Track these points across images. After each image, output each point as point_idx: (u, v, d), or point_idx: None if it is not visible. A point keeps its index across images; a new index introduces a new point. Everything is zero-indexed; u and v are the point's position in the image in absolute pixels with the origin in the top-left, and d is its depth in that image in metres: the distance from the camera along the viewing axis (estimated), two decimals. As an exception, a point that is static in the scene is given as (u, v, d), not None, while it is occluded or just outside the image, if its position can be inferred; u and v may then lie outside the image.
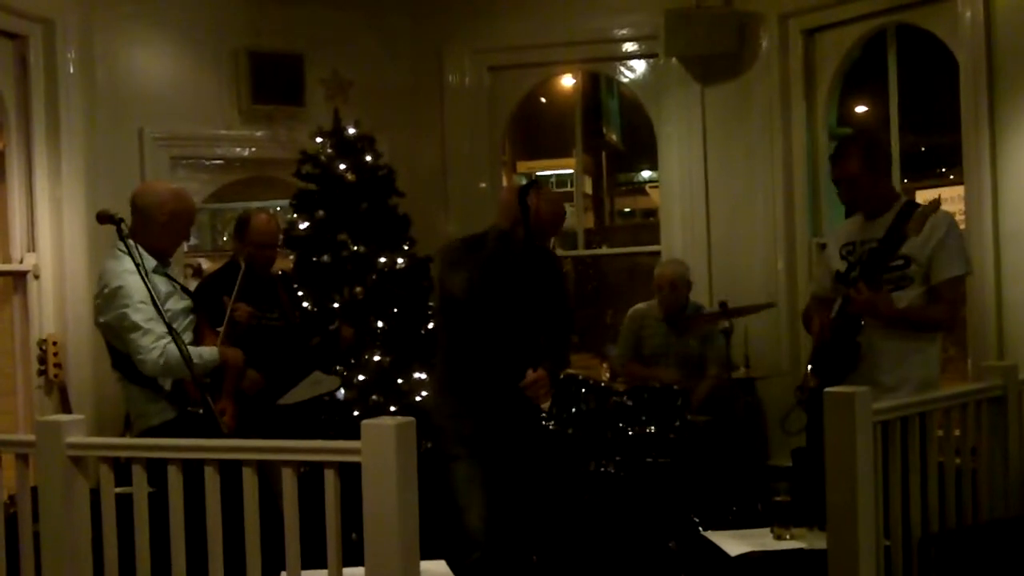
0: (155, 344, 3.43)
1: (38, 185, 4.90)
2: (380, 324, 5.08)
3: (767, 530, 3.36)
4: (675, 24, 5.58)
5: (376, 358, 5.02)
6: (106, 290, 3.54)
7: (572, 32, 6.04)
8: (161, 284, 3.55)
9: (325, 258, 5.10)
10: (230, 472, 2.55)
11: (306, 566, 2.52)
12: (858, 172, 3.53)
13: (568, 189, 14.49)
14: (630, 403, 4.61)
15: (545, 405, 4.28)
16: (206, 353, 3.56)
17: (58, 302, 4.91)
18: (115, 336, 3.57)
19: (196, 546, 2.58)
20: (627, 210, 18.22)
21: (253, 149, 5.83)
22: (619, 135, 16.20)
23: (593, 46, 6.10)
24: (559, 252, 5.27)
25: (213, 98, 5.68)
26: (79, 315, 4.87)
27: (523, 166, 14.66)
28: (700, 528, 4.19)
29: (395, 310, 5.13)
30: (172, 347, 3.33)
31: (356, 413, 4.81)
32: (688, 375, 5.13)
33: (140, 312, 3.44)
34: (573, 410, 4.60)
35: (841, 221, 4.10)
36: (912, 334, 3.48)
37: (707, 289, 5.73)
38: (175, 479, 2.60)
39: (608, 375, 5.66)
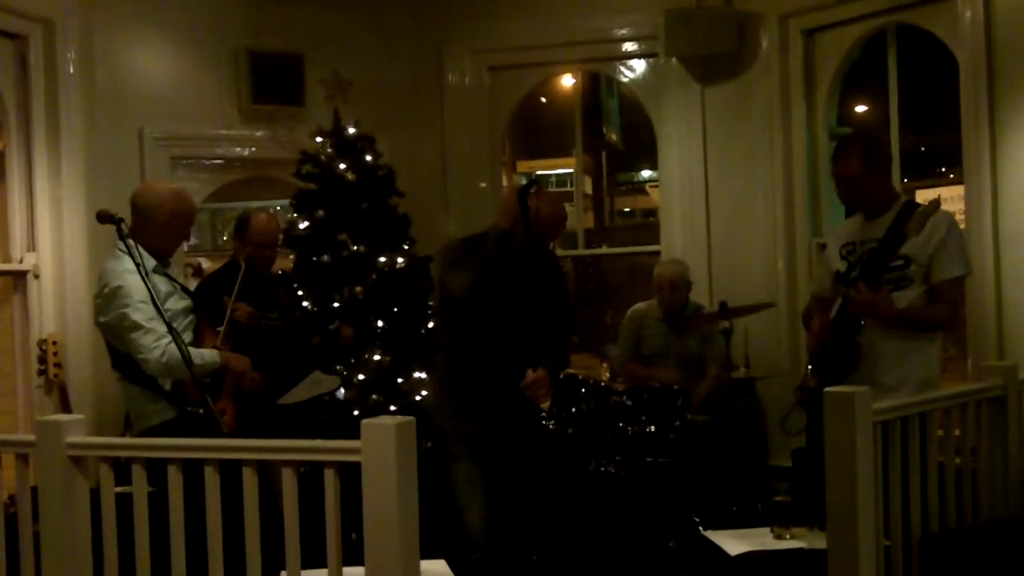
0: (157, 343, 3.43)
1: (38, 185, 4.90)
2: (380, 324, 5.08)
3: (767, 530, 3.35)
4: (675, 24, 5.58)
5: (376, 358, 5.02)
6: (106, 290, 3.54)
7: (572, 32, 6.04)
8: (161, 284, 3.55)
9: (325, 258, 5.10)
10: (230, 472, 2.55)
11: (306, 566, 2.52)
12: (858, 172, 3.53)
13: (568, 189, 14.50)
14: (630, 403, 4.61)
15: (545, 405, 4.27)
16: (207, 355, 3.56)
17: (58, 302, 4.92)
18: (115, 336, 3.57)
19: (196, 546, 2.58)
20: (627, 210, 18.21)
21: (253, 149, 5.84)
22: (619, 135, 16.20)
23: (593, 46, 6.10)
24: (559, 252, 5.27)
25: (213, 98, 5.68)
26: (79, 315, 4.87)
27: (523, 166, 14.65)
28: (700, 528, 4.19)
29: (395, 310, 5.14)
30: (174, 347, 3.33)
31: (356, 413, 4.82)
32: (688, 375, 5.13)
33: (141, 312, 3.44)
34: (573, 410, 4.60)
35: (841, 221, 4.10)
36: (912, 334, 3.48)
37: (707, 289, 5.73)
38: (175, 479, 2.60)
39: (608, 375, 5.67)
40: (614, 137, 16.12)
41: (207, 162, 5.84)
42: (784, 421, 3.74)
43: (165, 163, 5.51)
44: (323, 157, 5.23)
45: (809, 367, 3.67)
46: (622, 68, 6.12)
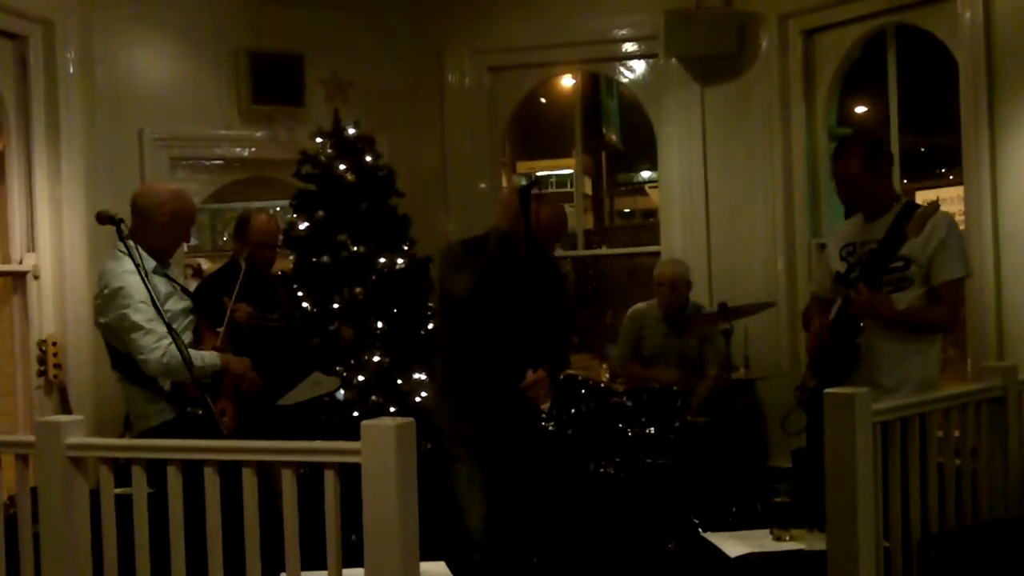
0: (157, 344, 3.43)
1: (38, 185, 4.90)
2: (380, 325, 5.08)
3: (767, 531, 3.35)
4: (675, 24, 5.58)
5: (376, 359, 5.02)
6: (106, 291, 3.54)
7: (572, 32, 6.04)
8: (161, 284, 3.55)
9: (325, 258, 5.10)
10: (230, 473, 2.55)
11: (306, 567, 2.52)
12: (858, 172, 3.53)
13: (568, 189, 14.50)
14: (630, 404, 4.62)
15: (545, 406, 4.28)
16: (207, 357, 3.56)
17: (58, 302, 4.91)
18: (115, 337, 3.57)
19: (196, 547, 2.58)
20: (627, 210, 18.22)
21: (253, 149, 5.83)
22: (619, 135, 16.20)
23: (593, 46, 6.10)
24: (559, 253, 5.27)
25: (213, 98, 5.68)
26: (79, 315, 4.87)
27: (523, 166, 14.66)
28: (700, 529, 4.19)
29: (395, 310, 5.13)
30: (175, 347, 3.33)
31: (356, 414, 4.81)
32: (688, 376, 5.14)
33: (141, 312, 3.44)
34: (573, 411, 4.61)
35: (841, 221, 4.10)
36: (912, 335, 3.47)
37: (707, 289, 5.73)
38: (175, 480, 2.60)
39: (608, 376, 5.67)
40: (614, 138, 16.13)
41: (207, 163, 5.84)
42: (784, 422, 3.74)
43: (165, 163, 5.51)
44: (323, 158, 5.23)
45: (809, 368, 3.68)
46: (622, 68, 6.12)
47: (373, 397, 4.94)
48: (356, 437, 2.37)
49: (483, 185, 6.26)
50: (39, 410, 4.68)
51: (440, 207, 6.20)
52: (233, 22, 5.72)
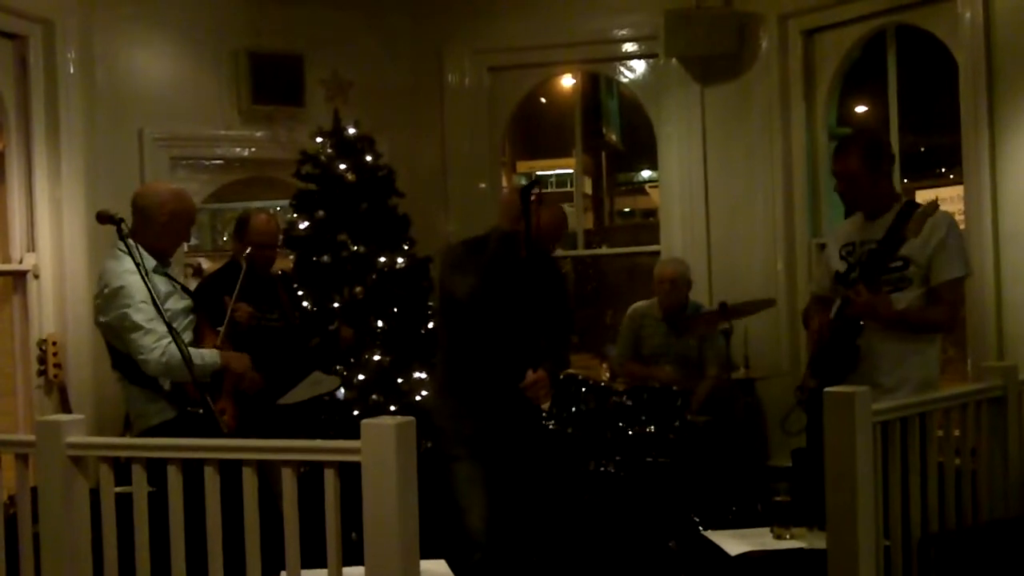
0: (157, 344, 3.43)
1: (38, 185, 4.90)
2: (380, 324, 5.08)
3: (767, 530, 3.35)
4: (675, 24, 5.58)
5: (376, 358, 5.02)
6: (106, 290, 3.54)
7: (572, 32, 6.04)
8: (161, 284, 3.55)
9: (325, 258, 5.10)
10: (230, 472, 2.55)
11: (306, 566, 2.52)
12: (857, 170, 3.53)
13: (568, 189, 14.51)
14: (630, 403, 4.62)
15: (545, 405, 4.28)
16: (207, 355, 3.55)
17: (58, 302, 4.92)
18: (115, 336, 3.57)
19: (196, 546, 2.58)
20: (627, 210, 18.23)
21: (253, 149, 5.83)
22: (619, 135, 16.21)
23: (593, 46, 6.10)
24: (559, 253, 5.28)
25: (213, 98, 5.68)
26: (79, 315, 4.87)
27: (523, 166, 14.66)
28: (700, 528, 4.19)
29: (395, 310, 5.14)
30: (174, 347, 3.33)
31: (356, 413, 4.81)
32: (688, 375, 5.14)
33: (141, 312, 3.44)
34: (573, 410, 4.61)
35: (841, 221, 4.10)
36: (911, 335, 3.47)
37: (707, 289, 5.73)
38: (175, 479, 2.60)
39: (608, 375, 5.67)
40: (614, 137, 16.14)
41: (207, 162, 5.84)
42: (784, 421, 3.74)
43: (165, 163, 5.51)
44: (323, 157, 5.23)
45: (808, 368, 3.68)
46: (622, 68, 6.12)
47: (373, 396, 4.94)
48: (356, 436, 2.37)
49: (483, 185, 6.26)
50: (39, 410, 4.69)
51: (440, 207, 6.20)
52: (233, 22, 5.73)
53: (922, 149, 10.10)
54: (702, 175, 5.84)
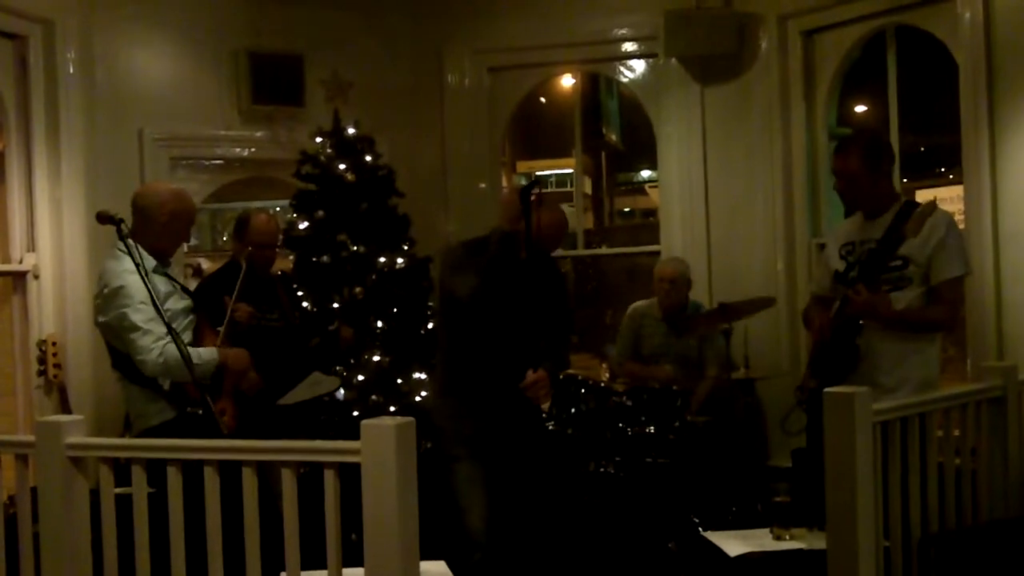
0: (154, 344, 3.43)
1: (38, 185, 4.90)
2: (380, 324, 5.08)
3: (767, 530, 3.35)
4: (675, 25, 5.58)
5: (376, 358, 5.02)
6: (106, 290, 3.54)
7: (572, 32, 6.04)
8: (161, 284, 3.55)
9: (325, 258, 5.10)
10: (230, 473, 2.55)
11: (306, 567, 2.52)
12: (857, 169, 3.53)
13: (568, 189, 14.52)
14: (630, 403, 4.62)
15: (545, 405, 4.28)
16: (205, 354, 3.55)
17: (58, 302, 4.92)
18: (115, 336, 3.57)
19: (196, 547, 2.58)
20: (627, 210, 18.25)
21: (253, 149, 5.83)
22: (619, 135, 16.22)
23: (593, 46, 6.10)
24: (558, 253, 5.28)
25: (213, 98, 5.68)
26: (79, 315, 4.87)
27: (523, 166, 14.68)
28: (700, 528, 4.19)
29: (395, 310, 5.14)
30: (171, 347, 3.34)
31: (356, 413, 4.81)
32: (688, 375, 5.13)
33: (140, 312, 3.44)
34: (573, 410, 4.61)
35: (841, 222, 4.11)
36: (911, 335, 3.47)
37: (707, 289, 5.73)
38: (175, 480, 2.60)
39: (608, 375, 5.67)
40: (614, 137, 16.15)
41: (207, 163, 5.84)
42: (784, 421, 3.74)
43: (165, 163, 5.50)
44: (323, 158, 5.23)
45: (808, 368, 3.68)
46: (622, 68, 6.12)
47: (373, 397, 4.94)
48: (356, 437, 2.37)
49: (483, 185, 6.26)
50: (39, 410, 4.68)
51: (440, 207, 6.20)
52: (233, 22, 5.73)
53: (922, 149, 10.11)
54: (702, 175, 5.84)
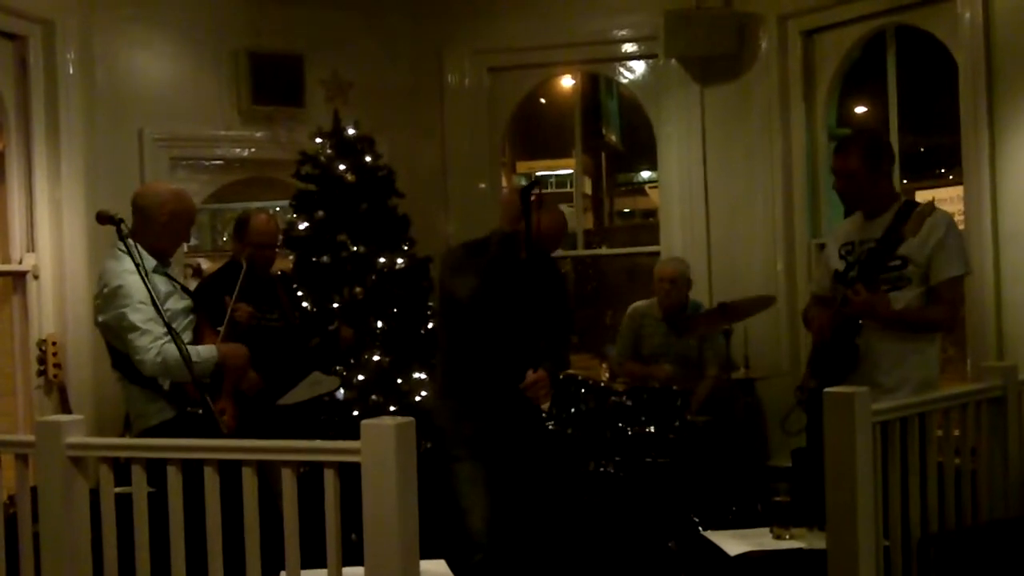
0: (152, 344, 3.43)
1: (38, 186, 4.90)
2: (380, 324, 5.09)
3: (767, 530, 3.36)
4: (675, 25, 5.58)
5: (376, 358, 5.02)
6: (106, 290, 3.54)
7: (572, 33, 6.04)
8: (161, 284, 3.55)
9: (325, 258, 5.10)
10: (230, 472, 2.55)
11: (306, 566, 2.52)
12: (857, 169, 3.53)
13: (568, 190, 14.51)
14: (630, 403, 4.61)
15: (545, 406, 4.28)
16: (204, 351, 3.55)
17: (58, 302, 4.92)
18: (114, 336, 3.57)
19: (196, 546, 2.58)
20: (626, 210, 18.22)
21: (253, 150, 5.83)
22: (619, 136, 16.21)
23: (593, 47, 6.10)
24: (558, 253, 5.28)
25: (213, 99, 5.68)
26: (79, 315, 4.87)
27: (523, 166, 14.67)
28: (700, 528, 4.19)
29: (395, 310, 5.14)
30: (169, 347, 3.34)
31: (356, 413, 4.82)
32: (688, 375, 5.13)
33: (139, 312, 3.44)
34: (573, 410, 4.60)
35: (840, 222, 4.11)
36: (911, 335, 3.48)
37: (707, 289, 5.73)
38: (175, 479, 2.60)
39: (608, 375, 5.67)
40: (614, 138, 16.13)
41: (207, 163, 5.84)
42: (784, 421, 3.74)
43: (165, 164, 5.51)
44: (323, 158, 5.23)
45: (808, 368, 3.68)
46: (622, 69, 6.13)
47: (373, 397, 4.94)
48: (356, 436, 2.37)
49: (483, 185, 6.26)
50: (39, 410, 4.69)
51: (440, 207, 6.20)
52: (233, 22, 5.73)
53: (922, 149, 10.11)
54: (702, 175, 5.84)
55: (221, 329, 3.80)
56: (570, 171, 13.71)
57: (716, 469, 4.69)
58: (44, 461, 2.70)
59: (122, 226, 3.28)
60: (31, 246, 4.91)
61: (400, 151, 5.83)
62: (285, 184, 5.53)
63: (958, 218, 4.29)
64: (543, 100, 8.02)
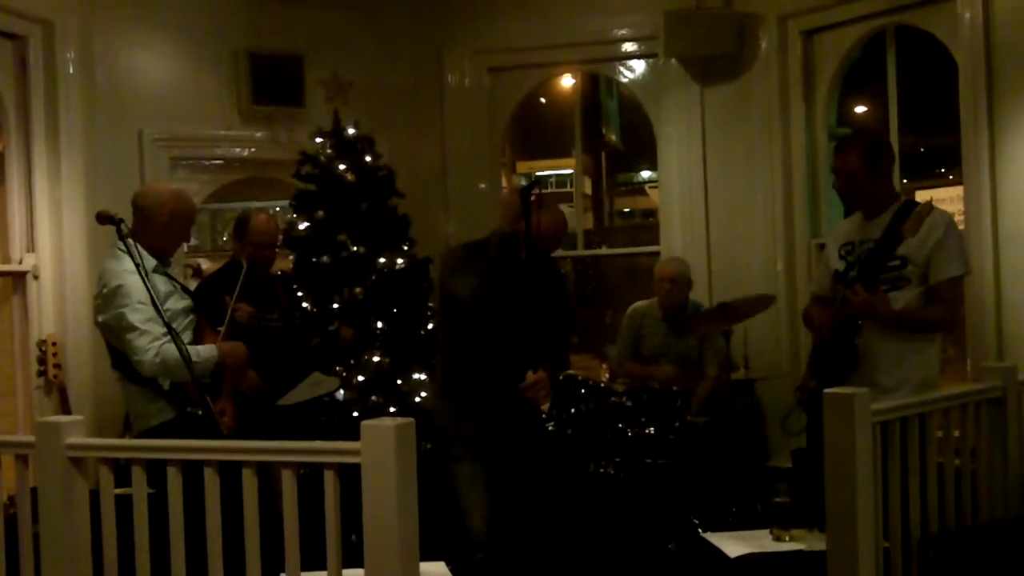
0: (151, 345, 3.43)
1: (38, 186, 4.90)
2: (380, 325, 5.08)
3: (767, 531, 3.35)
4: (675, 25, 5.58)
5: (376, 359, 5.02)
6: (105, 290, 3.54)
7: (572, 33, 6.04)
8: (161, 284, 3.55)
9: (325, 259, 5.10)
10: (230, 473, 2.55)
11: (305, 567, 2.52)
12: (857, 168, 3.53)
13: (568, 190, 14.51)
14: (629, 404, 4.62)
15: (545, 406, 4.28)
16: (203, 351, 3.55)
17: (58, 303, 4.92)
18: (114, 336, 3.57)
19: (196, 547, 2.58)
20: (626, 210, 18.23)
21: (253, 150, 5.83)
22: (619, 135, 16.21)
23: (593, 47, 6.10)
24: (558, 253, 5.28)
25: (213, 99, 5.68)
26: (78, 315, 4.87)
27: (523, 166, 14.68)
28: (700, 529, 4.19)
29: (395, 311, 5.14)
30: (168, 347, 3.34)
31: (356, 414, 4.81)
32: (688, 375, 5.13)
33: (138, 312, 3.44)
34: (573, 411, 4.60)
35: (840, 222, 4.11)
36: (911, 335, 3.48)
37: (707, 289, 5.73)
38: (175, 480, 2.60)
39: (608, 376, 5.66)
40: (614, 138, 16.14)
41: (207, 163, 5.84)
42: (784, 422, 3.74)
43: (165, 164, 5.50)
44: (323, 158, 5.23)
45: (808, 368, 3.68)
46: (622, 69, 6.12)
47: (373, 397, 4.94)
48: (356, 437, 2.37)
49: (483, 185, 6.26)
50: (39, 410, 4.69)
51: (440, 207, 6.20)
52: (233, 22, 5.72)
53: (922, 149, 10.11)
54: (702, 175, 5.84)
55: (221, 329, 3.80)
56: (570, 171, 13.71)
57: (716, 470, 4.69)
58: (44, 462, 2.70)
59: (122, 226, 3.28)
60: (31, 246, 4.91)
61: (400, 151, 5.83)
62: (285, 184, 5.53)
63: (958, 218, 4.28)
64: (543, 100, 8.02)
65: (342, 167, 5.19)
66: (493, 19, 6.14)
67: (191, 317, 3.72)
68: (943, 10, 4.88)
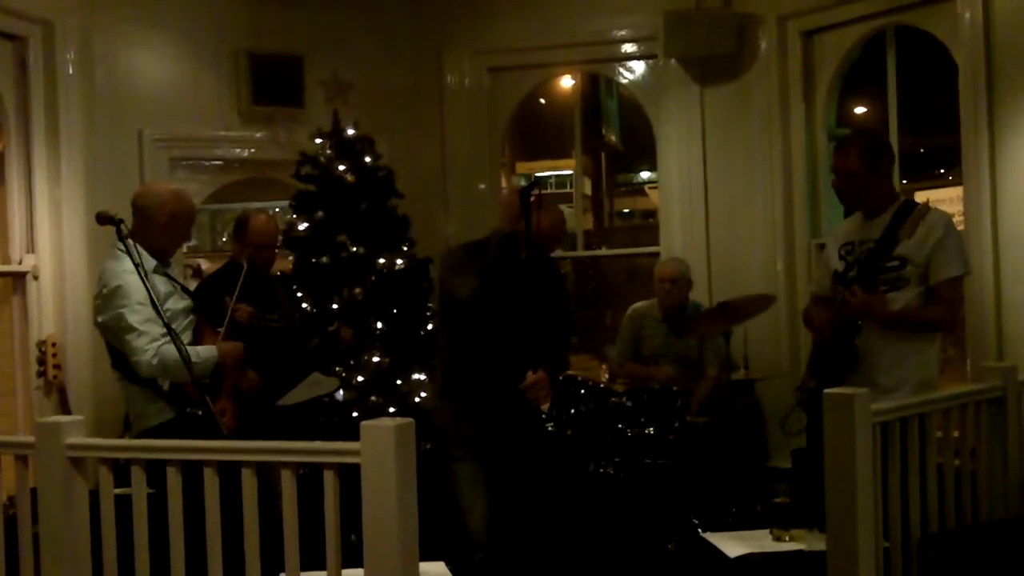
0: (149, 346, 3.43)
1: (37, 186, 4.90)
2: (379, 325, 5.08)
3: (767, 532, 3.35)
4: (674, 25, 5.58)
5: (375, 359, 5.02)
6: (105, 290, 3.54)
7: (572, 33, 6.04)
8: (161, 284, 3.56)
9: (324, 259, 5.10)
10: (229, 473, 2.55)
11: (305, 568, 2.52)
12: (856, 168, 3.54)
13: (568, 190, 14.52)
14: (629, 404, 4.62)
15: (545, 406, 4.28)
16: (203, 351, 3.55)
17: (57, 303, 4.92)
18: (113, 336, 3.57)
19: (195, 547, 2.58)
20: (626, 211, 18.24)
21: (253, 150, 5.83)
22: (618, 136, 16.21)
23: (593, 47, 6.10)
24: (558, 254, 5.28)
25: (213, 99, 5.68)
26: (78, 316, 4.87)
27: (523, 167, 14.69)
28: (699, 529, 4.19)
29: (394, 311, 5.14)
30: (167, 348, 3.34)
31: (355, 414, 4.81)
32: (687, 376, 5.13)
33: (137, 313, 3.44)
34: (572, 411, 4.61)
35: (840, 222, 4.11)
36: (910, 335, 3.48)
37: (707, 290, 5.73)
38: (174, 480, 2.60)
39: (607, 376, 5.66)
40: (613, 138, 16.14)
41: (207, 163, 5.84)
42: (784, 422, 3.74)
43: (165, 164, 5.50)
44: (322, 158, 5.23)
45: (808, 368, 3.68)
46: (621, 69, 6.12)
47: (372, 397, 4.94)
48: (355, 437, 2.37)
49: (483, 186, 6.25)
50: (39, 410, 4.68)
51: (440, 207, 6.20)
52: (233, 22, 5.72)
53: (922, 150, 10.11)
54: (701, 176, 5.84)
55: (221, 330, 3.80)
56: (570, 171, 13.71)
57: (716, 470, 4.69)
58: (44, 462, 2.70)
59: (122, 226, 3.28)
60: (31, 247, 4.90)
61: (400, 151, 5.83)
62: (285, 184, 5.53)
63: (958, 219, 4.29)
64: (543, 100, 8.03)
65: (342, 168, 5.19)
66: (493, 19, 6.14)
67: (191, 317, 3.72)
68: (943, 10, 4.88)
